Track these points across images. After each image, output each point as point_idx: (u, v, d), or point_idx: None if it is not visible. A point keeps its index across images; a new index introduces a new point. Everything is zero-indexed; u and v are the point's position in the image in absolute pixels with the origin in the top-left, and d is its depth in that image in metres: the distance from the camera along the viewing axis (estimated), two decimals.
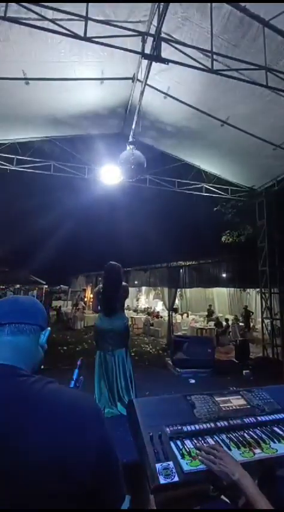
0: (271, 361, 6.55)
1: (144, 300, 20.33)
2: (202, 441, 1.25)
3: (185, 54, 3.43)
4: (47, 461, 0.57)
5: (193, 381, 5.61)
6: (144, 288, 19.53)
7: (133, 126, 4.54)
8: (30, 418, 0.61)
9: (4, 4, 2.82)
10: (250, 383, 5.53)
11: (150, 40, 3.21)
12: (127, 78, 4.70)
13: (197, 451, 1.13)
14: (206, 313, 13.79)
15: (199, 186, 7.21)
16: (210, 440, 1.25)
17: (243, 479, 0.95)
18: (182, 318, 13.68)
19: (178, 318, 13.32)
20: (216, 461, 1.04)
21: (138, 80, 4.53)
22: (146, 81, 3.66)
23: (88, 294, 17.62)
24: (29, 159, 6.15)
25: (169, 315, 9.89)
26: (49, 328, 0.86)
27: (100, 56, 3.99)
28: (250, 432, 1.32)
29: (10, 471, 0.56)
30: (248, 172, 6.58)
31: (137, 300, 20.63)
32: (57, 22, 2.91)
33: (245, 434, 1.30)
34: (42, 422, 0.61)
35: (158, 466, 1.07)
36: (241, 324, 11.81)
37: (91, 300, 7.18)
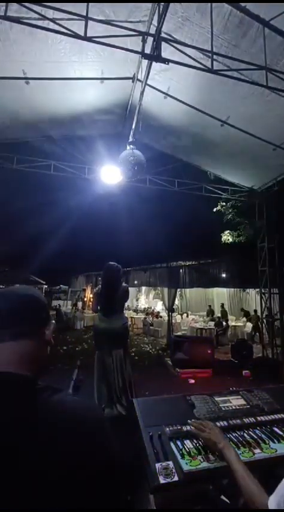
0: (271, 361, 6.55)
1: (144, 300, 20.35)
2: (202, 441, 1.25)
3: (185, 54, 3.43)
4: (47, 483, 0.53)
5: (193, 381, 5.61)
6: (144, 288, 19.55)
7: (133, 126, 4.54)
8: (30, 436, 0.56)
9: (4, 4, 2.82)
10: (250, 383, 5.54)
11: (150, 40, 3.21)
12: (127, 78, 4.69)
13: (189, 421, 1.29)
14: (205, 313, 13.88)
15: (199, 186, 7.21)
16: None
17: (226, 448, 1.10)
18: (182, 318, 13.69)
19: (178, 318, 13.33)
20: (206, 430, 1.20)
21: (138, 80, 4.53)
22: (146, 81, 3.66)
23: (88, 294, 17.62)
24: (29, 158, 6.15)
25: (169, 315, 9.89)
26: (53, 321, 0.81)
27: (100, 56, 3.99)
28: (250, 432, 1.32)
29: (6, 496, 0.51)
30: (248, 172, 6.58)
31: (137, 300, 20.65)
32: (58, 22, 2.91)
33: (245, 434, 1.30)
34: (42, 443, 0.56)
35: (158, 465, 1.07)
36: (240, 324, 11.86)
37: (91, 300, 7.19)
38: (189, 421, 1.30)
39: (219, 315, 12.58)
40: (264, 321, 7.61)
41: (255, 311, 11.97)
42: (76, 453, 0.57)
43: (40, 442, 0.56)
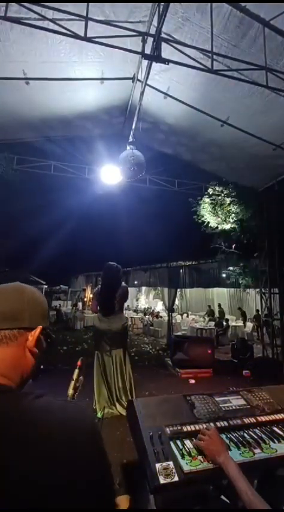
0: (271, 361, 6.55)
1: (144, 300, 20.36)
2: (211, 425, 1.25)
3: (185, 54, 3.43)
4: (30, 497, 0.49)
5: (193, 381, 5.61)
6: (144, 288, 19.56)
7: (133, 126, 4.54)
8: (12, 446, 0.52)
9: (4, 4, 2.83)
10: (250, 383, 5.54)
11: (150, 40, 3.22)
12: (127, 78, 4.70)
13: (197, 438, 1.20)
14: (205, 313, 13.91)
15: (199, 186, 7.20)
16: None
17: (227, 462, 1.04)
18: (182, 318, 13.70)
19: (178, 318, 13.33)
20: (205, 438, 1.15)
21: (138, 80, 4.53)
22: (146, 81, 3.66)
23: (88, 294, 17.63)
24: (29, 158, 6.15)
25: (169, 315, 9.90)
26: (40, 326, 0.70)
27: (100, 56, 3.99)
28: (250, 432, 1.32)
29: None
30: (248, 172, 6.58)
31: (137, 300, 20.66)
32: (58, 22, 2.91)
33: (245, 434, 1.30)
34: (26, 452, 0.51)
35: (158, 466, 1.07)
36: (240, 324, 11.87)
37: (91, 300, 7.20)
38: (179, 443, 1.22)
39: (217, 315, 12.65)
40: (264, 320, 7.61)
41: (258, 311, 12.02)
42: (66, 458, 0.53)
43: (25, 450, 0.51)
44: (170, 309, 9.81)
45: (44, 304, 0.76)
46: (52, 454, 0.52)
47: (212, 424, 1.32)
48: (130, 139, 4.60)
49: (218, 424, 1.34)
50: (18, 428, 0.54)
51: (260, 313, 11.25)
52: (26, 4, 2.85)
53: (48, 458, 0.52)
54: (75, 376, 1.21)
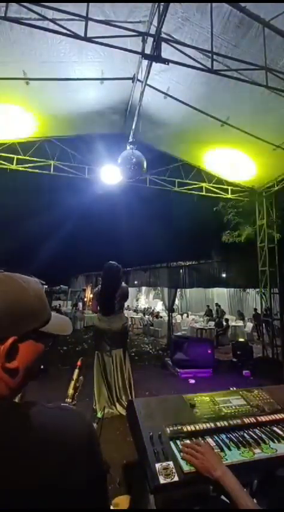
0: (271, 361, 6.55)
1: (144, 300, 20.36)
2: (202, 441, 1.25)
3: (185, 54, 3.43)
4: (20, 507, 0.47)
5: (193, 381, 5.61)
6: (144, 288, 19.56)
7: (133, 126, 4.54)
8: (2, 456, 0.50)
9: (4, 4, 2.83)
10: (250, 383, 5.54)
11: (150, 40, 3.22)
12: (127, 78, 4.70)
13: (180, 443, 1.14)
14: (204, 313, 13.96)
15: (199, 186, 7.21)
16: (210, 441, 1.25)
17: (225, 476, 0.93)
18: (182, 318, 13.70)
19: (178, 318, 13.34)
20: (198, 455, 1.04)
21: (138, 80, 4.53)
22: (146, 81, 3.66)
23: (88, 294, 17.63)
24: (29, 158, 6.15)
25: (169, 315, 9.90)
26: (14, 337, 0.56)
27: (100, 56, 3.99)
28: (250, 432, 1.32)
29: None
30: (248, 172, 6.58)
31: (137, 300, 20.66)
32: (58, 22, 2.91)
33: (245, 434, 1.30)
34: (17, 462, 0.50)
35: (158, 466, 1.07)
36: (240, 324, 11.88)
37: (91, 300, 7.20)
38: (179, 443, 1.16)
39: (215, 314, 12.67)
40: (264, 320, 7.61)
41: (255, 309, 12.06)
42: (57, 467, 0.51)
43: (16, 460, 0.49)
44: (170, 309, 9.81)
45: (27, 301, 0.60)
46: (43, 463, 0.50)
47: (216, 438, 1.27)
48: (130, 139, 4.60)
49: (218, 424, 1.34)
50: (8, 439, 0.51)
51: (258, 312, 11.34)
52: (26, 4, 2.86)
53: (40, 467, 0.50)
54: (75, 376, 1.21)
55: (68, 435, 0.55)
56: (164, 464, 1.08)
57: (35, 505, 0.48)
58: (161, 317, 12.85)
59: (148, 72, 3.50)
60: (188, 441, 1.22)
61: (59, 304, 18.34)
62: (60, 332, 0.69)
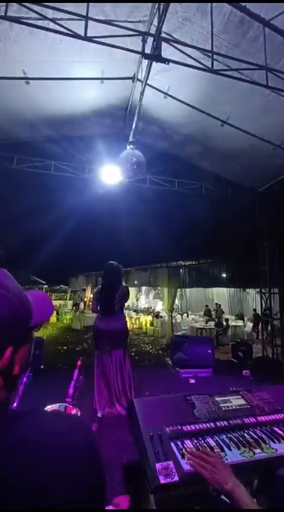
0: (271, 361, 6.55)
1: (144, 300, 20.36)
2: (202, 441, 1.25)
3: (185, 54, 3.43)
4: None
5: (193, 381, 5.61)
6: (144, 288, 19.57)
7: (133, 126, 4.54)
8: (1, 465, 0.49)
9: (4, 4, 2.82)
10: (250, 383, 5.54)
11: (150, 40, 3.21)
12: (127, 78, 4.70)
13: (188, 455, 1.10)
14: (202, 312, 13.98)
15: (199, 186, 7.21)
16: (210, 440, 1.25)
17: (236, 488, 0.91)
18: (182, 317, 13.70)
19: (178, 317, 13.33)
20: (208, 467, 0.99)
21: (138, 79, 4.53)
22: (146, 81, 3.66)
23: (88, 294, 17.63)
24: (29, 158, 6.15)
25: (169, 315, 9.90)
26: (11, 348, 0.56)
27: (100, 56, 3.99)
28: (250, 432, 1.32)
29: None
30: (248, 172, 6.58)
31: (137, 300, 20.66)
32: (58, 22, 2.91)
33: (245, 434, 1.30)
34: (16, 471, 0.49)
35: (158, 465, 1.07)
36: (240, 324, 11.88)
37: (91, 300, 7.21)
38: (188, 456, 1.09)
39: (214, 314, 12.68)
40: (264, 320, 7.61)
41: (254, 310, 12.08)
42: (56, 475, 0.51)
43: (15, 469, 0.49)
44: (170, 309, 9.81)
45: (12, 308, 0.56)
46: (42, 472, 0.50)
47: (216, 438, 1.25)
48: (131, 139, 4.60)
49: (218, 424, 1.34)
50: (6, 448, 0.51)
51: (257, 311, 11.36)
52: (26, 4, 2.85)
53: (39, 476, 0.50)
54: (75, 376, 1.21)
55: (68, 444, 0.55)
56: (164, 464, 1.08)
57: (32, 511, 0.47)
58: (161, 317, 12.86)
59: (148, 72, 3.49)
60: (188, 441, 1.22)
61: (59, 304, 18.34)
62: (44, 319, 0.66)
